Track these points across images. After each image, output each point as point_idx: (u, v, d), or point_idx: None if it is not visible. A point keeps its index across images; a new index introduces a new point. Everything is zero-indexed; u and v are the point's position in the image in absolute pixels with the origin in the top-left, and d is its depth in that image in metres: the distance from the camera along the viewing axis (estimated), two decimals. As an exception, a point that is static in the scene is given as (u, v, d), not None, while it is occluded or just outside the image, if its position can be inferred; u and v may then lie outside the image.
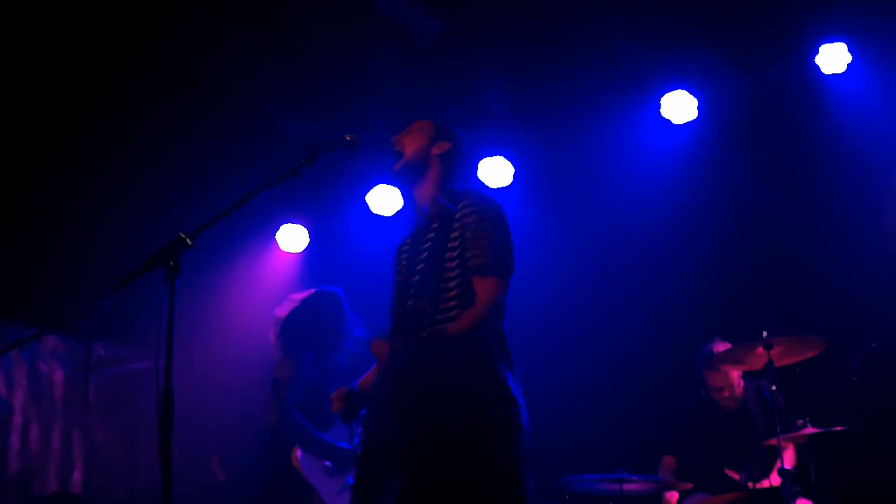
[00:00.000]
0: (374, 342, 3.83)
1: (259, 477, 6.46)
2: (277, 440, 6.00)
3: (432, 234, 3.98)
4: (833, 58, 7.10)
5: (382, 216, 8.19)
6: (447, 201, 4.02)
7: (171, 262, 3.21)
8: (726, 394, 6.61)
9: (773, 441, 5.76)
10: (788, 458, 6.26)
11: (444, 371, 3.69)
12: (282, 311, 6.20)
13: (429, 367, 3.70)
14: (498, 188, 7.99)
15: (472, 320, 3.73)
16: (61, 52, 6.57)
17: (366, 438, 3.80)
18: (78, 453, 8.53)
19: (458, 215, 3.93)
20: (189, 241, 3.27)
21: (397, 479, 3.61)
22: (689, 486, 6.24)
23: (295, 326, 6.10)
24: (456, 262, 3.85)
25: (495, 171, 7.97)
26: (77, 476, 8.47)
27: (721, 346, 6.53)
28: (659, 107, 7.47)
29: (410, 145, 4.23)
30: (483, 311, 3.75)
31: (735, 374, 6.59)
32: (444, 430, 3.60)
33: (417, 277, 3.95)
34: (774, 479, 6.09)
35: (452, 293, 3.81)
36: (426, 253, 3.96)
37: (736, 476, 6.18)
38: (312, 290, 6.29)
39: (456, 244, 3.87)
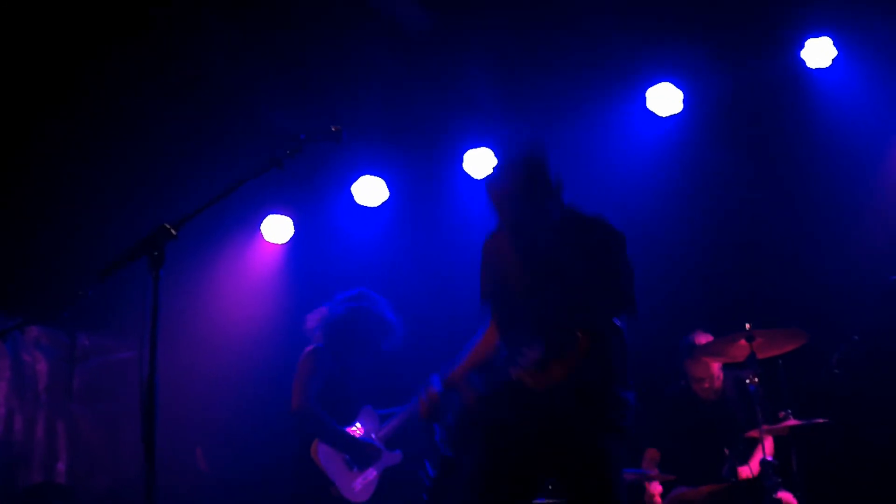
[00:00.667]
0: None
1: (282, 462, 6.47)
2: (300, 426, 6.04)
3: (542, 245, 4.19)
4: (818, 52, 7.12)
5: (368, 207, 8.19)
6: None
7: (156, 252, 3.21)
8: (706, 385, 6.63)
9: (755, 433, 5.78)
10: (768, 448, 6.29)
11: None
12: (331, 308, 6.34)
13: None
14: (484, 179, 7.99)
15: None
16: (44, 39, 6.54)
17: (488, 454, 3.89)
18: (62, 444, 8.51)
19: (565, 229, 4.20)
20: (173, 232, 3.26)
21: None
22: (672, 478, 6.27)
23: (343, 327, 6.23)
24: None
25: (481, 163, 7.97)
26: (61, 466, 8.45)
27: (703, 338, 6.55)
28: (644, 100, 7.49)
29: None
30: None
31: (716, 366, 6.61)
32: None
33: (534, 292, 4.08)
34: (754, 467, 6.10)
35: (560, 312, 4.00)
36: (538, 268, 4.15)
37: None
38: (359, 293, 6.36)
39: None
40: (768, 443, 6.33)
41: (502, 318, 4.17)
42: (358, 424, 6.22)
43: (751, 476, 6.04)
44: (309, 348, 6.25)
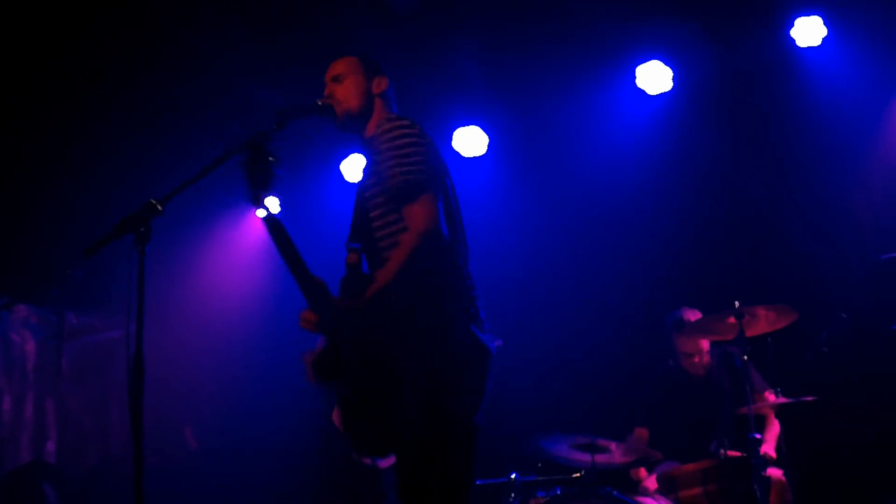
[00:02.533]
0: (301, 317, 3.62)
1: (228, 442, 6.57)
2: (248, 409, 6.14)
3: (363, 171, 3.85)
4: (808, 31, 7.10)
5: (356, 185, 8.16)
6: None
7: (142, 229, 3.19)
8: (696, 360, 6.64)
9: (744, 410, 5.80)
10: (773, 434, 6.32)
11: (383, 325, 3.48)
12: None
13: (366, 325, 3.46)
14: (473, 157, 7.99)
15: (402, 258, 3.46)
16: (28, 17, 6.49)
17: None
18: (51, 422, 8.51)
19: (375, 141, 3.73)
20: (160, 207, 3.24)
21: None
22: (659, 455, 6.28)
23: None
24: (379, 193, 3.66)
25: (470, 141, 7.96)
26: (50, 445, 8.46)
27: (692, 314, 6.57)
28: (634, 77, 7.47)
29: (346, 93, 3.93)
30: (414, 245, 3.46)
31: (705, 341, 6.62)
32: (395, 377, 3.46)
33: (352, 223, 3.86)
34: (770, 445, 6.14)
35: (383, 232, 3.62)
36: (356, 194, 3.84)
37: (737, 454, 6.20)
38: None
39: (374, 170, 3.70)
40: (774, 425, 6.35)
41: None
42: None
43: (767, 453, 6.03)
44: None
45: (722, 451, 5.90)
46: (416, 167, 3.56)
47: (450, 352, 3.49)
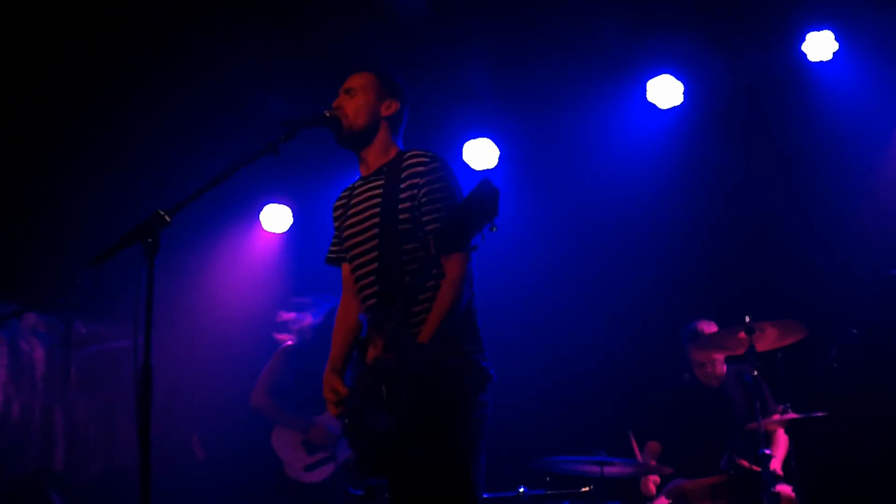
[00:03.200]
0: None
1: (235, 452, 6.76)
2: (255, 419, 6.39)
3: (379, 190, 3.77)
4: (820, 45, 7.10)
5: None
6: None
7: (150, 240, 3.17)
8: (709, 369, 6.63)
9: (755, 425, 5.78)
10: (782, 444, 6.30)
11: (425, 370, 3.50)
12: (308, 320, 6.58)
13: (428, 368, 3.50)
14: (483, 170, 7.98)
15: (451, 301, 3.52)
16: (39, 28, 6.51)
17: (359, 434, 3.62)
18: (58, 431, 8.50)
19: (405, 172, 3.72)
20: (167, 218, 3.22)
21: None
22: (670, 470, 6.26)
23: (325, 333, 6.43)
24: (411, 227, 3.64)
25: (480, 153, 7.95)
26: (57, 453, 8.44)
27: (707, 326, 6.56)
28: (645, 91, 7.46)
29: (355, 109, 3.88)
30: (459, 289, 3.53)
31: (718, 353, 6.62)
32: (433, 425, 3.52)
33: (376, 252, 3.73)
34: (778, 459, 6.11)
35: (417, 265, 3.51)
36: (377, 209, 3.74)
37: (745, 464, 6.18)
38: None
39: (408, 205, 3.66)
40: (782, 440, 6.33)
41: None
42: (324, 417, 6.48)
43: (775, 470, 6.01)
44: (282, 347, 6.76)
45: (735, 458, 5.90)
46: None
47: (469, 387, 3.61)
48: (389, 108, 3.95)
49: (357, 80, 3.97)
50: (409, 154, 3.79)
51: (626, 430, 6.45)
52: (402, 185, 3.69)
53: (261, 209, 8.42)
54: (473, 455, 3.57)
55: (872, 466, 6.64)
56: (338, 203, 4.06)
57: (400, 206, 3.66)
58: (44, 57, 6.72)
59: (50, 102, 7.04)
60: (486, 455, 3.64)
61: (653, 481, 6.42)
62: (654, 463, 6.38)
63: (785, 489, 5.84)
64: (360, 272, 3.80)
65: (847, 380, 6.10)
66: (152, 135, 7.48)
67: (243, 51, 6.95)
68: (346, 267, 4.01)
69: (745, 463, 6.03)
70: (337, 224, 4.03)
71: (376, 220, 3.73)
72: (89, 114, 7.20)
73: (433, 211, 3.61)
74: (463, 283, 3.55)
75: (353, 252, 3.85)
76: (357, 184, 3.98)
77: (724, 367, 6.70)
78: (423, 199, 3.63)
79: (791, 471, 5.98)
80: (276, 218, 8.44)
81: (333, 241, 4.08)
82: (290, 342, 6.83)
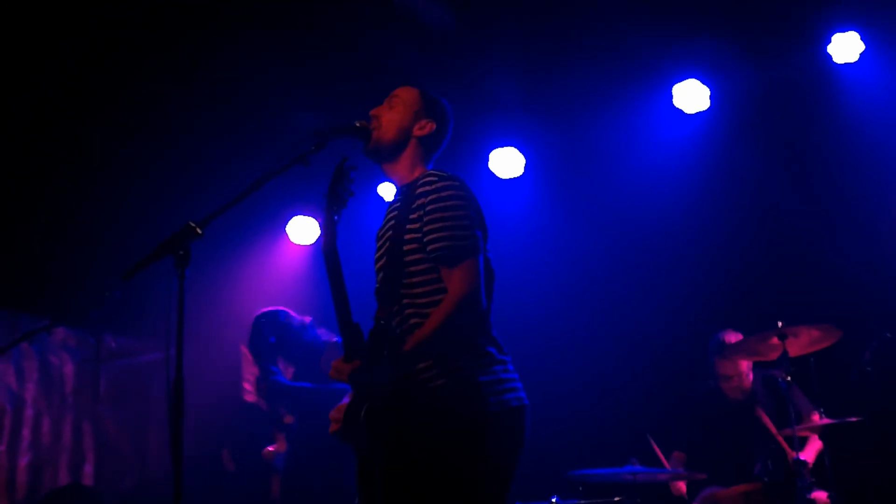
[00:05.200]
0: (333, 366, 3.44)
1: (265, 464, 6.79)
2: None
3: (392, 220, 3.69)
4: (845, 47, 7.05)
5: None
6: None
7: (181, 252, 3.17)
8: (735, 383, 6.60)
9: (788, 432, 5.73)
10: (813, 449, 6.24)
11: (416, 385, 3.41)
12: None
13: (393, 387, 3.33)
14: (509, 179, 7.97)
15: (441, 320, 3.39)
16: (66, 42, 6.55)
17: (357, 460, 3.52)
18: (89, 445, 8.55)
19: (416, 192, 3.61)
20: (199, 230, 3.21)
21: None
22: (703, 476, 6.22)
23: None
24: (417, 248, 3.54)
25: (507, 162, 7.94)
26: (88, 468, 8.49)
27: (733, 336, 6.52)
28: (671, 97, 7.43)
29: (388, 121, 3.82)
30: (454, 309, 3.40)
31: (745, 364, 6.57)
32: (417, 443, 3.36)
33: (381, 273, 3.67)
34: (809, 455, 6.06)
35: (419, 290, 3.50)
36: (387, 242, 3.67)
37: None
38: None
39: (415, 226, 3.55)
40: (816, 442, 6.26)
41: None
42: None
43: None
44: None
45: (769, 465, 5.86)
46: (463, 233, 3.49)
47: (476, 423, 3.38)
48: (423, 128, 3.86)
49: (402, 93, 3.93)
50: (424, 174, 3.72)
51: (657, 438, 6.42)
52: (412, 206, 3.61)
53: (287, 221, 8.44)
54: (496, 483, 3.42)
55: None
56: (380, 230, 3.94)
57: (407, 227, 3.58)
58: (75, 72, 6.77)
59: (79, 116, 7.08)
60: (517, 465, 3.53)
61: (683, 482, 6.39)
62: (681, 470, 6.36)
63: (820, 495, 5.79)
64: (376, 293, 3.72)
65: (882, 384, 6.03)
66: (181, 147, 7.51)
67: (272, 62, 6.97)
68: None
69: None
70: None
71: (388, 244, 3.67)
72: (119, 127, 7.24)
73: (433, 231, 3.50)
74: (461, 301, 3.41)
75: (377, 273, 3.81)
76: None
77: (751, 378, 6.64)
78: (426, 219, 3.53)
79: (826, 477, 5.92)
80: (303, 230, 8.46)
81: None
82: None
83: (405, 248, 3.57)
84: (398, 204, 3.73)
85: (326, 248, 3.51)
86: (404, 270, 3.55)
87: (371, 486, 3.39)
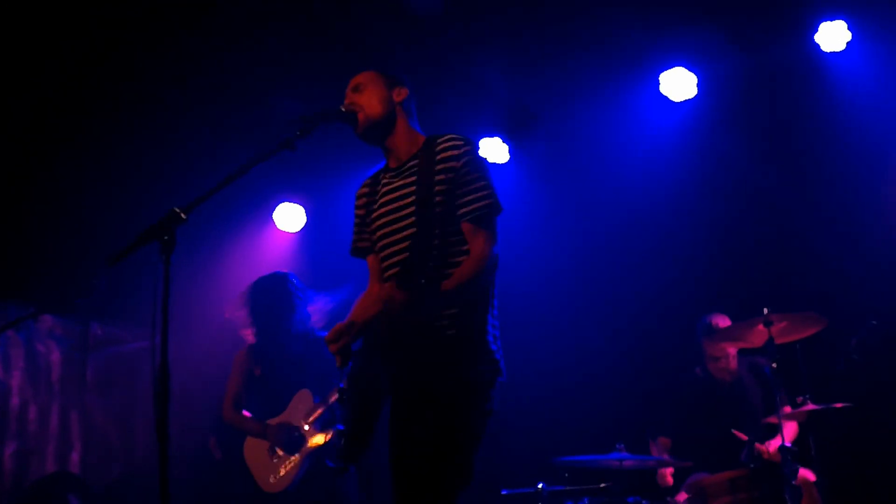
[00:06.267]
0: (388, 293, 3.49)
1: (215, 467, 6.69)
2: (230, 434, 6.29)
3: (413, 178, 3.81)
4: (833, 35, 7.07)
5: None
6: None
7: (166, 237, 3.17)
8: (722, 364, 6.64)
9: (773, 419, 5.75)
10: (790, 433, 6.26)
11: (435, 329, 3.60)
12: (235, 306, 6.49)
13: (421, 322, 3.57)
14: (496, 166, 7.97)
15: (474, 272, 3.63)
16: (52, 30, 6.52)
17: (355, 376, 3.61)
18: (75, 433, 8.52)
19: (439, 156, 3.77)
20: (183, 216, 3.22)
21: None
22: (689, 464, 6.24)
23: (263, 300, 6.47)
24: (443, 209, 3.70)
25: (494, 151, 7.95)
26: (75, 456, 8.47)
27: (722, 320, 6.54)
28: (658, 84, 7.44)
29: (368, 100, 3.94)
30: (482, 265, 3.63)
31: (732, 347, 6.60)
32: (427, 389, 3.58)
33: (403, 224, 3.78)
34: (772, 448, 6.08)
35: (451, 240, 3.70)
36: (412, 197, 3.78)
37: (744, 437, 6.15)
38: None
39: (443, 187, 3.71)
40: (791, 428, 6.29)
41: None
42: (288, 411, 6.29)
43: (768, 457, 6.02)
44: (242, 350, 6.51)
45: (754, 450, 5.89)
46: (493, 198, 3.74)
47: (477, 370, 3.63)
48: (400, 94, 4.01)
49: (361, 77, 4.04)
50: (442, 140, 3.84)
51: (642, 425, 6.45)
52: (437, 169, 3.75)
53: (274, 208, 8.43)
54: (473, 440, 3.58)
55: (893, 458, 6.61)
56: (361, 192, 4.09)
57: (436, 191, 3.71)
58: (58, 59, 6.73)
59: (63, 103, 7.05)
60: (504, 451, 3.63)
61: (669, 472, 6.42)
62: (667, 456, 6.38)
63: (806, 473, 5.83)
64: (392, 260, 3.81)
65: (867, 371, 6.06)
66: (167, 135, 7.48)
67: (257, 49, 6.95)
68: (372, 259, 4.03)
69: (766, 453, 6.02)
70: (361, 213, 4.05)
71: (411, 209, 3.76)
72: (103, 114, 7.21)
73: (469, 193, 3.69)
74: (485, 261, 3.64)
75: (385, 241, 3.86)
76: (386, 174, 4.00)
77: (737, 362, 6.69)
78: (460, 183, 3.71)
79: (811, 463, 5.95)
80: (290, 217, 8.45)
81: (357, 231, 4.09)
82: (250, 341, 6.64)
83: (437, 212, 3.70)
84: (414, 171, 3.83)
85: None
86: (436, 236, 3.68)
87: (370, 410, 3.54)
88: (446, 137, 3.83)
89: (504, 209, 3.77)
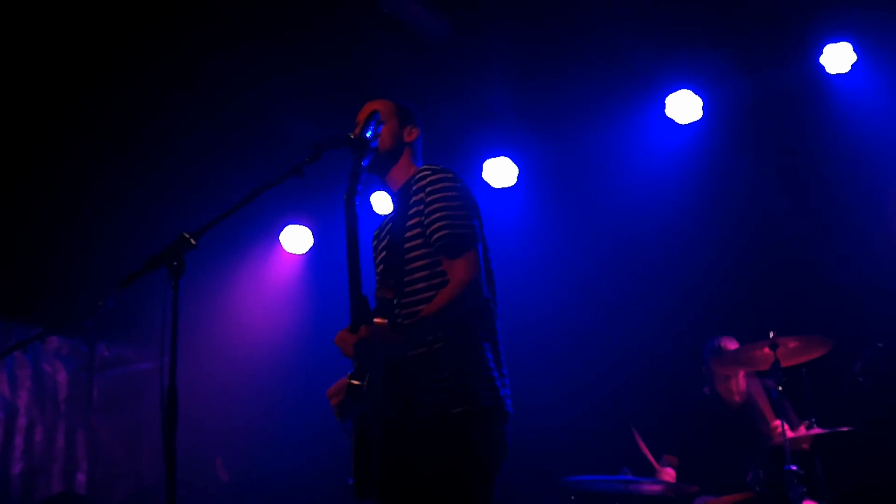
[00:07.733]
0: (339, 335, 3.49)
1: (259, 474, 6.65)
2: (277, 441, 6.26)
3: (393, 214, 3.83)
4: (838, 57, 7.07)
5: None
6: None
7: (175, 263, 3.19)
8: (732, 384, 6.62)
9: (780, 440, 5.74)
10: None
11: (412, 361, 3.52)
12: None
13: (397, 357, 3.48)
14: (502, 188, 7.98)
15: (445, 303, 3.51)
16: (63, 49, 6.55)
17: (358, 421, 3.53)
18: (82, 454, 8.53)
19: (413, 188, 3.77)
20: (193, 241, 3.25)
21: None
22: (695, 488, 6.22)
23: None
24: (420, 241, 3.67)
25: (500, 172, 7.95)
26: (81, 476, 8.47)
27: (730, 343, 6.53)
28: (664, 107, 7.44)
29: (381, 134, 3.92)
30: (458, 294, 3.52)
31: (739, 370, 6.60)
32: (416, 422, 3.49)
33: (382, 265, 3.81)
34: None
35: (419, 275, 3.64)
36: (388, 236, 3.81)
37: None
38: None
39: (416, 220, 3.70)
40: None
41: None
42: None
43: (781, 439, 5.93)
44: None
45: (761, 475, 5.87)
46: (463, 222, 3.65)
47: (472, 410, 3.49)
48: (411, 134, 4.05)
49: (378, 105, 4.05)
50: (420, 169, 3.87)
51: (649, 446, 6.43)
52: (410, 201, 3.76)
53: (281, 230, 8.44)
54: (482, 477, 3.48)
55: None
56: (376, 233, 4.12)
57: (408, 223, 3.72)
58: (71, 80, 6.77)
59: (73, 124, 7.08)
60: (508, 473, 3.57)
61: (667, 473, 6.40)
62: (671, 473, 6.37)
63: (811, 504, 5.82)
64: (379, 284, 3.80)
65: (873, 394, 6.04)
66: (176, 157, 7.52)
67: (266, 72, 6.98)
68: None
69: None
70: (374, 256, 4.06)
71: (388, 237, 3.81)
72: (113, 136, 7.24)
73: (435, 221, 3.64)
74: (460, 289, 3.54)
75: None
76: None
77: (745, 383, 6.68)
78: (427, 210, 3.68)
79: (817, 487, 5.93)
80: (297, 239, 8.46)
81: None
82: None
83: (406, 237, 3.69)
84: (395, 205, 3.86)
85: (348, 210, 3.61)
86: (405, 258, 3.68)
87: (367, 458, 3.44)
88: (423, 168, 3.85)
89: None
